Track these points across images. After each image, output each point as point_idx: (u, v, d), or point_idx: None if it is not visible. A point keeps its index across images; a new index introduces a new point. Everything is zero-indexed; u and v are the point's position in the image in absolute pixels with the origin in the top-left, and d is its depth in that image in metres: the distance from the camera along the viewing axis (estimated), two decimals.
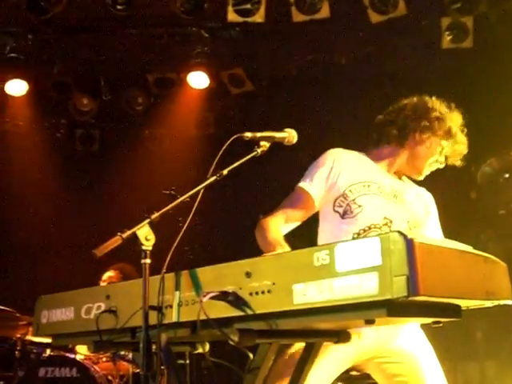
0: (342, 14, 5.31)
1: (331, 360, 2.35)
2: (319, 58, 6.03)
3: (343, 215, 2.51)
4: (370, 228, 2.48)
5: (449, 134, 2.64)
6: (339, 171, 2.55)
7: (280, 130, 2.45)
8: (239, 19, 5.08)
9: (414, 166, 2.69)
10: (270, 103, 6.27)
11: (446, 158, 2.70)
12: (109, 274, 4.89)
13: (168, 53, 5.83)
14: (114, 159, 6.53)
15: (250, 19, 5.06)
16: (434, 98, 2.71)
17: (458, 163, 2.72)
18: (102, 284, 4.70)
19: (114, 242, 1.96)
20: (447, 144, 2.66)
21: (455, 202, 5.28)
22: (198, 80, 6.06)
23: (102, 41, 5.78)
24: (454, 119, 2.67)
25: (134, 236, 1.96)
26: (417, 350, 2.52)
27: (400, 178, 2.73)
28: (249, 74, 6.13)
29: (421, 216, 2.64)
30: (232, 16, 5.08)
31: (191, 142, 6.34)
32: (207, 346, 2.32)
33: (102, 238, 2.01)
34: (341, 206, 2.52)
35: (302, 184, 2.56)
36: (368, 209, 2.49)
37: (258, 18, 5.04)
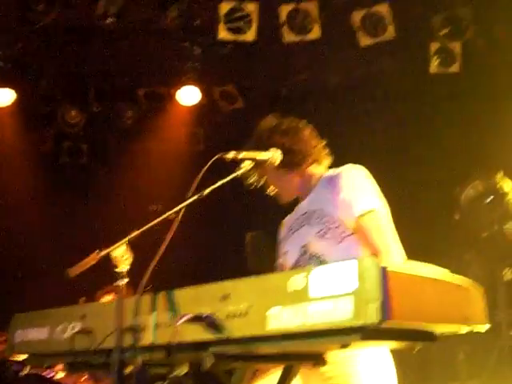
0: (333, 36, 5.34)
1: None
2: (311, 77, 6.07)
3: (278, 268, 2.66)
4: (295, 264, 2.53)
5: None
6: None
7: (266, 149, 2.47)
8: (230, 37, 5.09)
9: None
10: (261, 120, 6.27)
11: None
12: (108, 298, 4.74)
13: (159, 67, 5.83)
14: (101, 173, 6.49)
15: (240, 37, 5.07)
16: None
17: None
18: None
19: (90, 260, 1.95)
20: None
21: (440, 222, 5.31)
22: (189, 95, 6.07)
23: (92, 53, 5.75)
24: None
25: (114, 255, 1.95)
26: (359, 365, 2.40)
27: (313, 189, 2.62)
28: (241, 90, 6.15)
29: (332, 212, 2.47)
30: (223, 33, 5.09)
31: (180, 158, 6.32)
32: (186, 368, 2.30)
33: (87, 253, 2.00)
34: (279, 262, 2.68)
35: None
36: (287, 252, 2.59)
37: (250, 36, 5.06)
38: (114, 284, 1.96)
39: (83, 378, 4.50)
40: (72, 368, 2.27)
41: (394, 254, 2.39)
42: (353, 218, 2.43)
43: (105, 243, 2.01)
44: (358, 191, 2.47)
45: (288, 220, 2.69)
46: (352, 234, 2.45)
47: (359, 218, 2.42)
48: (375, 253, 2.38)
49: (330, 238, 2.46)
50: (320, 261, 2.44)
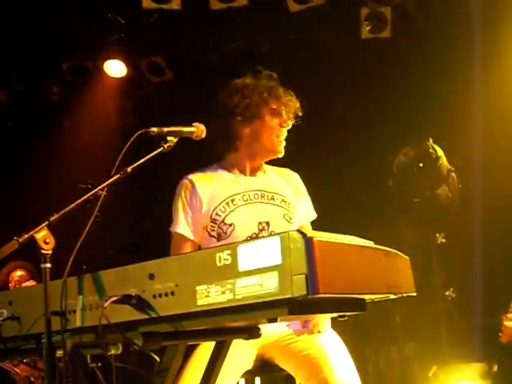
0: (260, 2, 5.28)
1: (240, 353, 2.37)
2: (240, 46, 6.00)
3: (219, 238, 2.52)
4: (252, 238, 2.43)
5: (268, 99, 2.60)
6: (197, 199, 2.55)
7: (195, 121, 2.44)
8: (154, 6, 4.96)
9: (264, 149, 2.63)
10: (192, 92, 6.19)
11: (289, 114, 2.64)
12: (20, 273, 4.73)
13: (83, 40, 5.65)
14: (29, 151, 6.30)
15: (165, 6, 4.95)
16: (236, 82, 2.69)
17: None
18: (14, 284, 4.56)
19: (11, 246, 1.89)
20: (276, 104, 2.62)
21: (373, 190, 5.39)
22: (116, 68, 5.91)
23: (12, 28, 5.53)
24: (262, 84, 2.65)
25: (33, 239, 1.89)
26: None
27: (263, 172, 2.69)
28: (169, 62, 6.03)
29: (294, 202, 2.64)
30: (147, 2, 4.96)
31: (110, 132, 6.16)
32: (120, 348, 2.28)
33: (12, 236, 1.93)
34: (214, 231, 2.53)
35: (172, 229, 2.58)
36: (239, 223, 2.50)
37: (174, 4, 4.94)
38: (41, 266, 1.91)
39: (24, 361, 4.43)
40: (2, 355, 2.21)
41: None
42: (308, 220, 2.71)
43: (32, 224, 1.95)
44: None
45: (217, 188, 2.59)
46: None
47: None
48: None
49: (293, 224, 2.57)
50: None
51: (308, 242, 1.53)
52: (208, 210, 2.54)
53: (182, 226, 2.55)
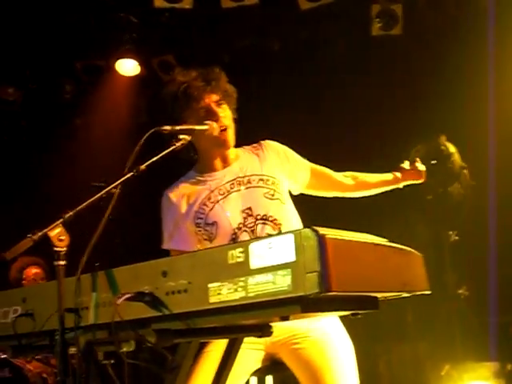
0: (271, 0, 5.28)
1: (247, 352, 2.37)
2: (251, 44, 6.00)
3: (210, 240, 2.48)
4: (239, 229, 2.46)
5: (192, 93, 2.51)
6: (176, 211, 2.53)
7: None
8: (166, 5, 4.98)
9: (208, 141, 2.54)
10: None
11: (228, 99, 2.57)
12: (35, 271, 4.75)
13: (96, 39, 5.68)
14: (43, 150, 6.33)
15: (177, 5, 4.97)
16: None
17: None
18: (29, 281, 4.58)
19: (25, 244, 1.90)
20: (208, 97, 2.53)
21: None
22: (128, 67, 5.94)
23: (26, 28, 5.56)
24: (177, 79, 2.56)
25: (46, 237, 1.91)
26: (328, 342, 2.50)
27: (235, 158, 2.62)
28: (180, 60, 6.04)
29: (276, 175, 2.57)
30: (159, 2, 4.98)
31: (123, 131, 6.19)
32: (133, 345, 2.30)
33: (27, 233, 1.95)
34: (203, 235, 2.50)
35: (164, 247, 2.55)
36: (221, 219, 2.47)
37: (186, 4, 4.96)
38: (54, 263, 1.92)
39: (36, 357, 4.46)
40: (16, 351, 2.23)
41: None
42: (307, 169, 2.67)
43: (47, 222, 1.96)
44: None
45: (193, 193, 2.55)
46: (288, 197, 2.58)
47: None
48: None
49: (278, 200, 2.51)
50: (271, 220, 2.47)
51: (321, 239, 1.52)
52: (190, 217, 2.52)
53: (168, 241, 2.55)
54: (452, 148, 5.28)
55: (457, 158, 5.29)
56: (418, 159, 2.94)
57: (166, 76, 6.12)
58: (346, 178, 2.80)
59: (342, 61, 5.71)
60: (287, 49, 5.94)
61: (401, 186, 2.90)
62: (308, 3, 5.16)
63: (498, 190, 5.19)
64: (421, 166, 2.91)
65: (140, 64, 5.95)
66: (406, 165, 2.88)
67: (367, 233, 1.74)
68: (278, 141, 2.72)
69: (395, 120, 5.27)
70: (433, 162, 5.18)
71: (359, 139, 5.54)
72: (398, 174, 2.88)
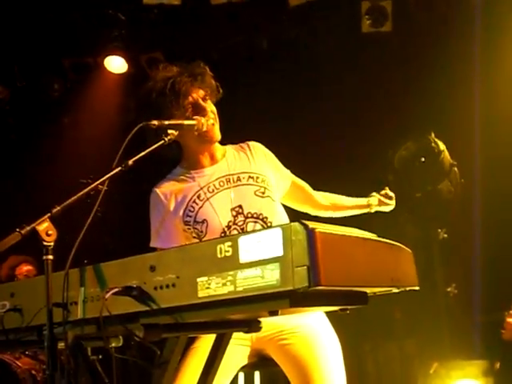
0: None
1: (233, 347, 2.34)
2: (240, 41, 5.99)
3: (200, 238, 2.46)
4: (229, 228, 2.44)
5: (176, 87, 2.45)
6: (164, 209, 2.50)
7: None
8: (155, 1, 4.95)
9: (205, 139, 2.51)
10: None
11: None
12: (27, 268, 4.74)
13: (84, 36, 5.65)
14: (30, 148, 6.30)
15: (165, 1, 4.94)
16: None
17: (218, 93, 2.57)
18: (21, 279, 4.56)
19: (13, 238, 1.89)
20: (193, 92, 2.49)
21: (373, 185, 5.37)
22: (116, 64, 5.91)
23: (13, 25, 5.53)
24: (163, 75, 2.50)
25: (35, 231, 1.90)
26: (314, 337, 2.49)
27: (222, 155, 2.60)
28: (168, 57, 6.02)
29: (265, 173, 2.57)
30: None
31: (111, 129, 6.15)
32: (121, 340, 2.29)
33: (13, 229, 1.93)
34: (192, 233, 2.48)
35: (151, 244, 2.52)
36: (210, 217, 2.45)
37: (175, 0, 4.93)
38: (43, 258, 1.91)
39: (25, 353, 4.44)
40: (3, 346, 2.22)
41: None
42: (289, 179, 2.68)
43: (34, 219, 1.95)
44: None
45: (182, 190, 2.52)
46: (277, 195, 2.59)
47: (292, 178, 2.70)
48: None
49: (269, 197, 2.51)
50: (261, 219, 2.46)
51: (310, 233, 1.51)
52: (179, 215, 2.48)
53: (154, 239, 2.52)
54: (442, 145, 5.29)
55: (447, 155, 5.30)
56: (386, 187, 3.03)
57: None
58: (321, 197, 2.81)
59: (331, 58, 5.71)
60: (276, 46, 5.93)
61: (372, 210, 2.96)
62: (297, 0, 5.15)
63: (485, 188, 5.21)
64: (390, 193, 3.01)
65: (128, 61, 5.92)
66: (375, 198, 2.96)
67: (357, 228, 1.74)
68: (264, 140, 2.71)
69: (385, 117, 5.28)
70: (422, 159, 5.20)
71: (348, 136, 5.54)
72: (372, 201, 2.93)
